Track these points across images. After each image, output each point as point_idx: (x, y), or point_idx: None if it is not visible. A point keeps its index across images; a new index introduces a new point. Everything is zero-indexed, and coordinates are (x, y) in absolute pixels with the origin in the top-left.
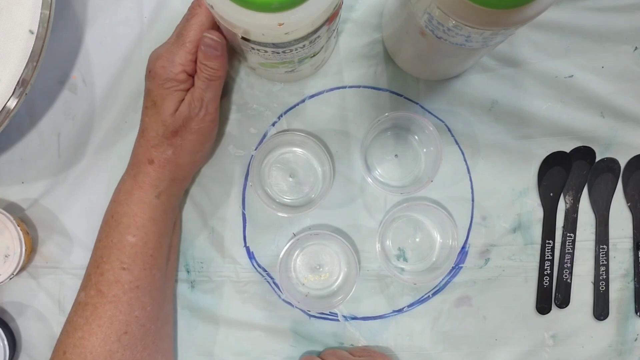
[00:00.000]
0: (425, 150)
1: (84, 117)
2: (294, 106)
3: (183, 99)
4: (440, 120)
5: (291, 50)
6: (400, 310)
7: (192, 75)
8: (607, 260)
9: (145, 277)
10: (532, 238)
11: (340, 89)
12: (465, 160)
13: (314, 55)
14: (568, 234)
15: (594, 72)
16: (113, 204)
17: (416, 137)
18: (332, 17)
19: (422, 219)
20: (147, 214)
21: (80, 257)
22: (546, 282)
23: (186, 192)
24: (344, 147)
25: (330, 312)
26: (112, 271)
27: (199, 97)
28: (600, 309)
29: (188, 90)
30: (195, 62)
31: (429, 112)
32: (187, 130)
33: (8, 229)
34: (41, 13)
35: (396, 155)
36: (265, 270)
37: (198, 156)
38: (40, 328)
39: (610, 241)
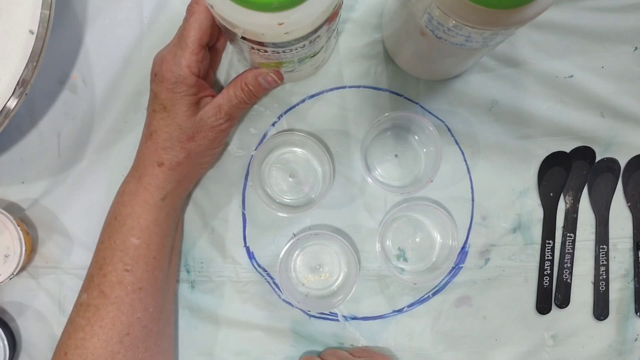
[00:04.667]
0: (425, 150)
1: (84, 117)
2: (294, 106)
3: (196, 103)
4: (440, 120)
5: (291, 50)
6: (400, 310)
7: (198, 76)
8: (607, 260)
9: (148, 279)
10: (532, 238)
11: (340, 89)
12: (465, 160)
13: (314, 55)
14: (568, 234)
15: (594, 72)
16: (116, 205)
17: (416, 137)
18: (332, 17)
19: (422, 219)
20: (151, 216)
21: (80, 257)
22: (546, 282)
23: (188, 194)
24: (344, 147)
25: (330, 312)
26: (115, 273)
27: (227, 111)
28: (600, 309)
29: (197, 94)
30: (201, 62)
31: (429, 112)
32: (204, 136)
33: (8, 229)
34: (41, 13)
35: (396, 155)
36: (265, 270)
37: (208, 159)
38: (40, 328)
39: (610, 241)
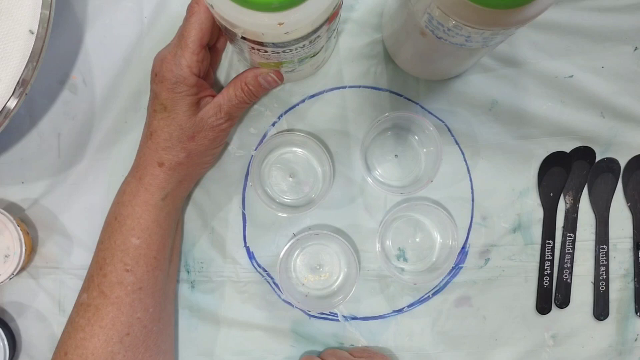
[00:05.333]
0: (425, 150)
1: (84, 117)
2: (294, 106)
3: (196, 103)
4: (440, 120)
5: (291, 50)
6: (400, 311)
7: (199, 76)
8: (607, 260)
9: (148, 279)
10: (532, 238)
11: (340, 89)
12: (465, 160)
13: (314, 55)
14: (568, 234)
15: (594, 72)
16: (116, 205)
17: (416, 137)
18: (332, 17)
19: (422, 219)
20: (151, 216)
21: (80, 257)
22: (546, 282)
23: (188, 194)
24: (344, 147)
25: (330, 312)
26: (115, 273)
27: (227, 111)
28: (600, 309)
29: (198, 94)
30: (201, 62)
31: (429, 112)
32: (204, 136)
33: (8, 229)
34: (41, 13)
35: (396, 155)
36: (265, 270)
37: (208, 159)
38: (40, 328)
39: (610, 241)
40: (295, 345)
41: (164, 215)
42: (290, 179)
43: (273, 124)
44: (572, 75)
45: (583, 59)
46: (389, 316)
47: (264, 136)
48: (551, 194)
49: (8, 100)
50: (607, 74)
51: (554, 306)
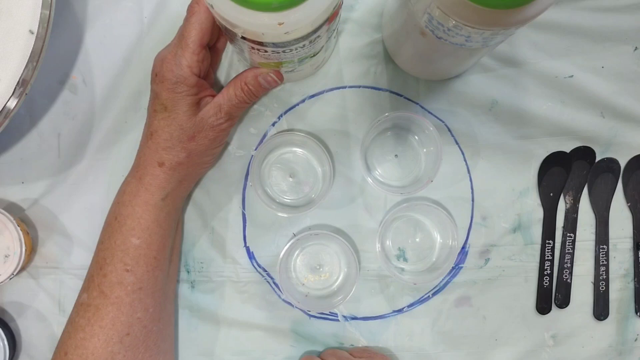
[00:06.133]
0: (425, 150)
1: (84, 117)
2: (294, 106)
3: (196, 103)
4: (440, 120)
5: (291, 50)
6: (400, 311)
7: (199, 76)
8: (607, 260)
9: (148, 279)
10: (532, 238)
11: (340, 89)
12: (465, 160)
13: (314, 55)
14: (568, 234)
15: (594, 72)
16: (116, 205)
17: (416, 137)
18: (332, 17)
19: (422, 219)
20: (152, 216)
21: (80, 257)
22: (546, 282)
23: (188, 194)
24: (344, 147)
25: (330, 312)
26: (115, 273)
27: (227, 111)
28: (600, 309)
29: (198, 94)
30: (202, 62)
31: (429, 112)
32: (205, 136)
33: (8, 229)
34: (41, 13)
35: (396, 155)
36: (265, 270)
37: (208, 159)
38: (40, 328)
39: (610, 241)
40: (295, 345)
41: (164, 215)
42: (290, 179)
43: (273, 124)
44: (572, 75)
45: (583, 59)
46: (389, 316)
47: (264, 136)
48: (551, 194)
49: (8, 100)
50: (607, 74)
51: (554, 306)
